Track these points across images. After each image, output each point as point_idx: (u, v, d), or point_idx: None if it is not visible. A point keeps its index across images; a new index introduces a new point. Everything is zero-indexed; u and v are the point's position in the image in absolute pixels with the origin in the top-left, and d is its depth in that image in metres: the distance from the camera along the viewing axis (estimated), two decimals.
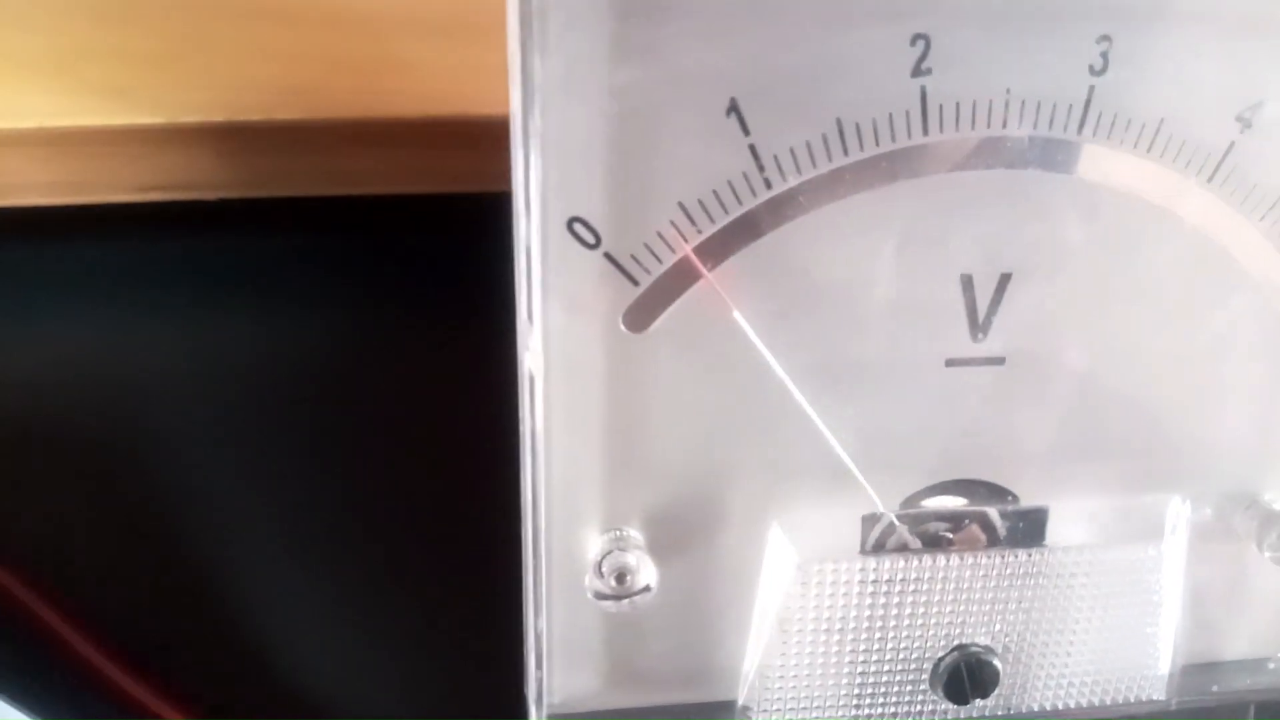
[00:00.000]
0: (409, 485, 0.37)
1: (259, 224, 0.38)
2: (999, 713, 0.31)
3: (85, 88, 0.36)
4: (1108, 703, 0.31)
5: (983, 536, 0.30)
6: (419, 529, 0.37)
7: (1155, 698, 0.31)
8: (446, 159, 0.36)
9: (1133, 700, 0.31)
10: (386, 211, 0.38)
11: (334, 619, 0.37)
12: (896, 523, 0.29)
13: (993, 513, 0.30)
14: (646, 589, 0.28)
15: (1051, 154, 0.27)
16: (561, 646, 0.29)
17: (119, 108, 0.36)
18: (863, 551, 0.29)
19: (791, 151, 0.26)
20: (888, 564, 0.29)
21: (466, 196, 0.35)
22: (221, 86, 0.36)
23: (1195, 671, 0.33)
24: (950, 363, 0.29)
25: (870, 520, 0.30)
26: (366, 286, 0.38)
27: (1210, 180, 0.28)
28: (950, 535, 0.30)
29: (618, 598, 0.28)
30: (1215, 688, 0.33)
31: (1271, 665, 0.34)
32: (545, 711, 0.29)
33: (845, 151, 0.26)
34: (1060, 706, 0.31)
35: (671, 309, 0.27)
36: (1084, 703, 0.31)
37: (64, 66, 0.36)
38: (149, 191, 0.37)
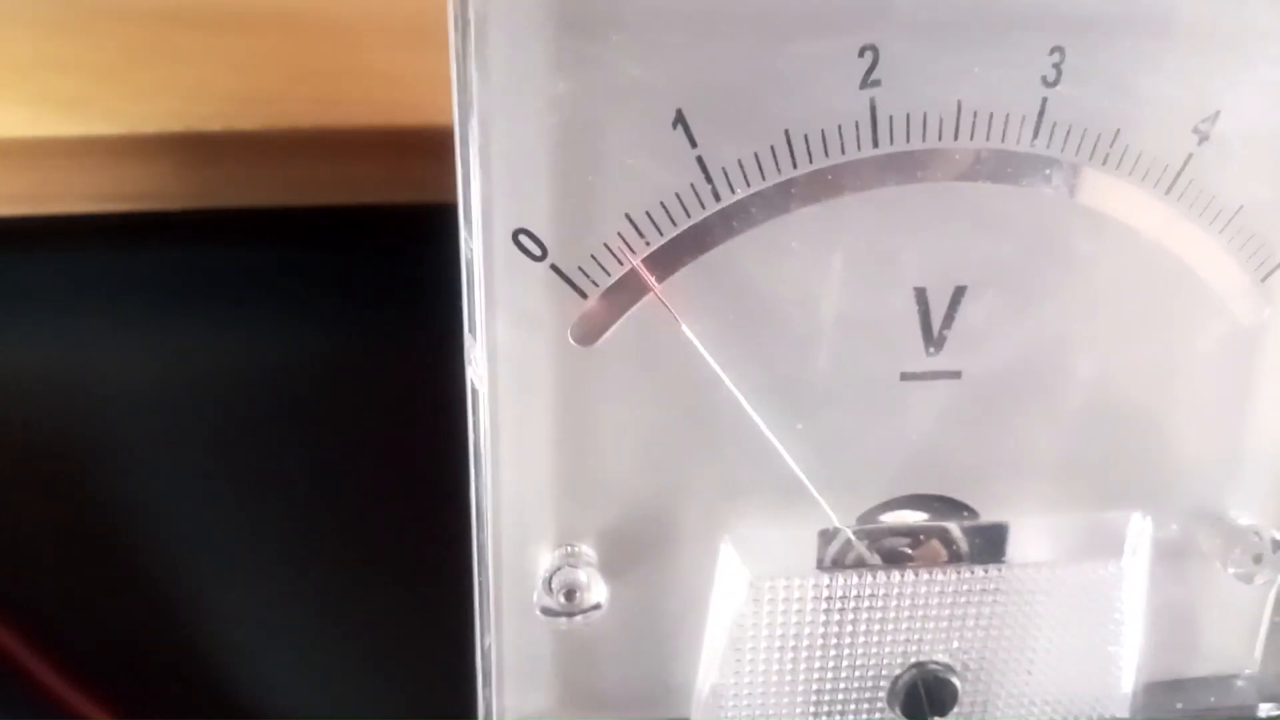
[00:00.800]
0: (367, 498, 0.37)
1: (220, 235, 0.38)
2: None
3: (44, 98, 0.36)
4: (1070, 719, 0.31)
5: (942, 552, 0.30)
6: (374, 544, 0.37)
7: (1118, 716, 0.31)
8: (408, 168, 0.36)
9: (1095, 718, 0.31)
10: (349, 222, 0.38)
11: (287, 635, 0.37)
12: (853, 538, 0.29)
13: (952, 528, 0.29)
14: (596, 607, 0.28)
15: (1004, 166, 0.27)
16: (513, 665, 0.29)
17: (78, 118, 0.36)
18: (819, 568, 0.29)
19: (740, 163, 0.26)
20: (842, 580, 0.28)
21: (429, 206, 0.35)
22: (181, 96, 0.36)
23: (1159, 690, 0.32)
24: (905, 377, 0.28)
25: (826, 536, 0.29)
26: (329, 298, 0.38)
27: (1168, 193, 0.28)
28: (908, 551, 0.30)
29: (567, 614, 0.28)
30: (1180, 705, 0.32)
31: (1240, 683, 0.33)
32: None
33: (794, 164, 0.26)
34: None
35: (620, 322, 0.27)
36: (1045, 719, 0.31)
37: (22, 77, 0.36)
38: (110, 202, 0.37)
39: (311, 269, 0.38)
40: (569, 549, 0.28)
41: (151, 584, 0.36)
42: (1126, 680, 0.31)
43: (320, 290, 0.38)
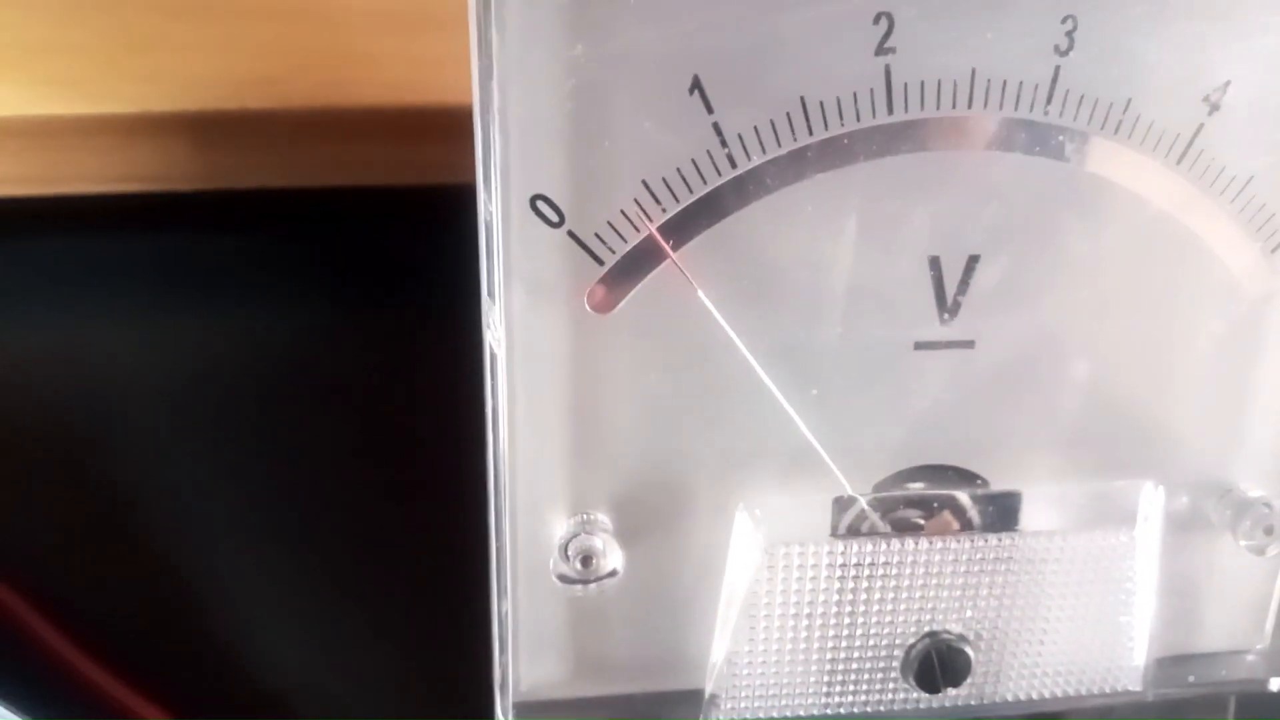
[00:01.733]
0: (381, 477, 0.37)
1: (230, 216, 0.38)
2: (972, 702, 0.30)
3: (53, 79, 0.36)
4: (1082, 693, 0.31)
5: (954, 522, 0.30)
6: (395, 519, 0.37)
7: (1130, 689, 0.31)
8: (417, 150, 0.36)
9: (1108, 691, 0.31)
10: (357, 203, 0.38)
11: (304, 611, 0.37)
12: (866, 506, 0.29)
13: (964, 497, 0.30)
14: (613, 573, 0.28)
15: (1018, 134, 0.27)
16: (528, 633, 0.29)
17: (88, 98, 0.36)
18: (833, 535, 0.29)
19: (755, 130, 0.26)
20: (856, 548, 0.28)
21: (437, 188, 0.35)
22: (190, 79, 0.36)
23: (1171, 663, 0.32)
24: (919, 346, 0.28)
25: (841, 504, 0.29)
26: (338, 279, 0.38)
27: (1179, 163, 0.28)
28: (922, 521, 0.30)
29: (583, 581, 0.28)
30: (1192, 679, 0.32)
31: (1251, 658, 0.33)
32: (511, 699, 0.29)
33: (810, 130, 0.26)
34: (1034, 696, 0.31)
35: (637, 289, 0.27)
36: (1058, 693, 0.31)
37: (32, 58, 0.36)
38: (121, 183, 0.37)
39: (321, 250, 0.38)
40: (585, 516, 0.28)
41: (167, 560, 0.36)
42: (1138, 653, 0.31)
43: (329, 271, 0.38)
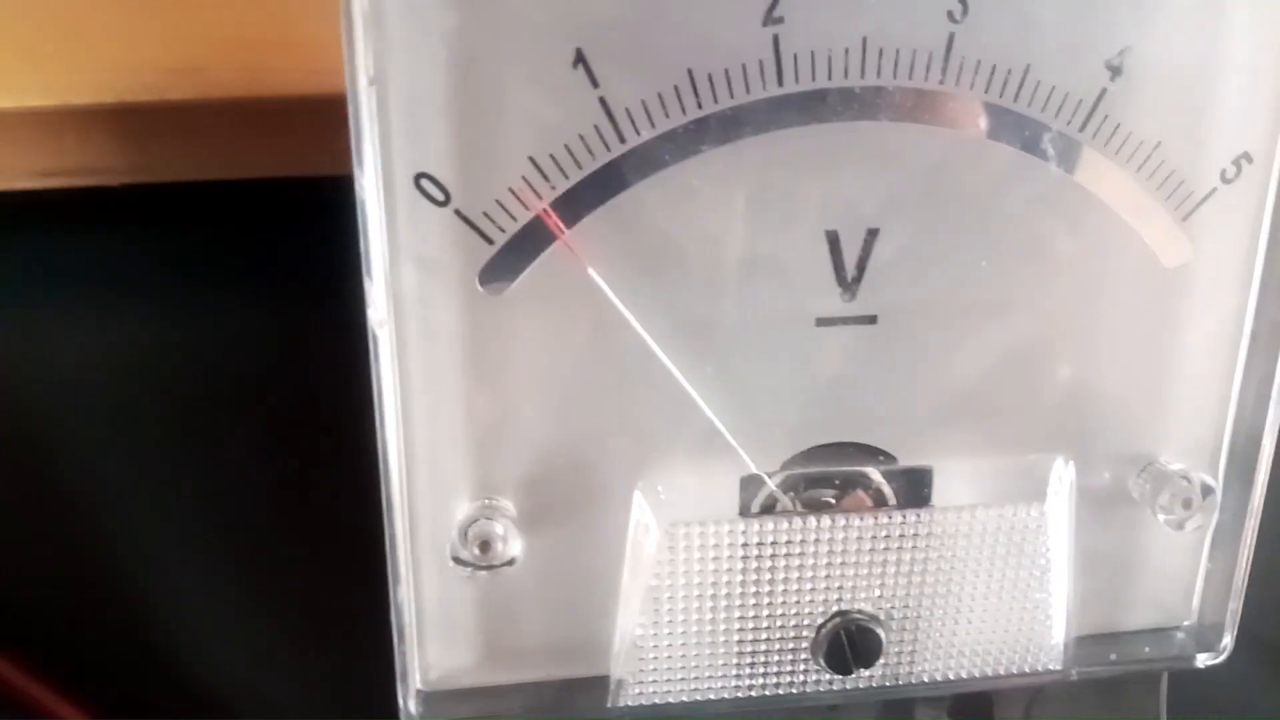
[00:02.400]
0: (304, 467, 0.36)
1: (156, 209, 0.38)
2: (886, 683, 0.30)
3: None
4: (1001, 672, 0.30)
5: (867, 499, 0.29)
6: (321, 506, 0.36)
7: (1051, 668, 0.31)
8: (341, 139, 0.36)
9: (1028, 671, 0.31)
10: (283, 193, 0.37)
11: (206, 602, 0.36)
12: (773, 485, 0.29)
13: (874, 473, 0.29)
14: (511, 561, 0.28)
15: (913, 104, 0.27)
16: (433, 620, 0.29)
17: (10, 90, 0.35)
18: (742, 515, 0.29)
19: (643, 104, 0.26)
20: (759, 527, 0.28)
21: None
22: (112, 68, 0.36)
23: (1094, 642, 0.32)
24: (821, 322, 0.28)
25: (749, 483, 0.29)
26: (266, 269, 0.38)
27: (1083, 129, 0.27)
28: (834, 499, 0.29)
29: (479, 567, 0.27)
30: (1113, 657, 0.32)
31: (1179, 635, 0.33)
32: (413, 688, 0.29)
33: (699, 104, 0.26)
34: (951, 677, 0.30)
35: (530, 269, 0.27)
36: (976, 673, 0.30)
37: None
38: (49, 178, 0.37)
39: (247, 241, 0.37)
40: (487, 501, 0.28)
41: (65, 548, 0.36)
42: (1057, 631, 0.30)
43: (257, 262, 0.38)
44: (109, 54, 0.37)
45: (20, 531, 0.36)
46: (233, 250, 0.39)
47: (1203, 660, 0.32)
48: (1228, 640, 0.32)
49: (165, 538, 0.36)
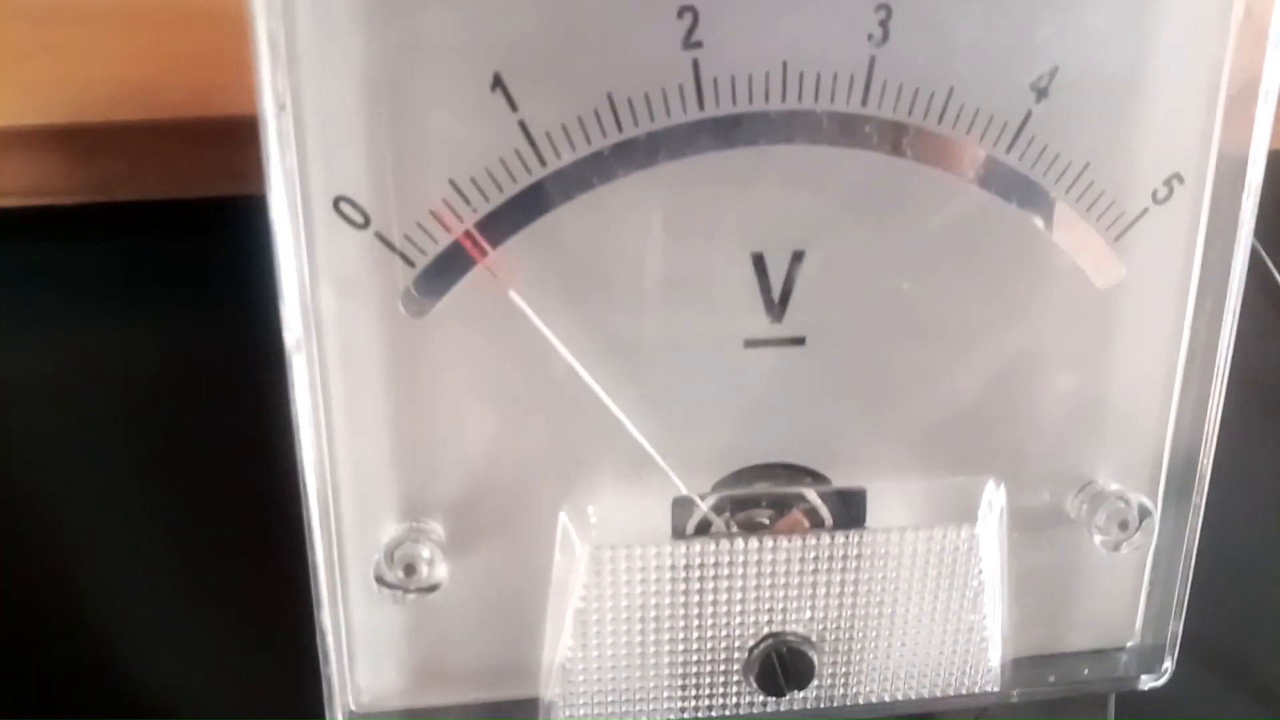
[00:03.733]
0: (242, 480, 0.36)
1: (106, 228, 0.38)
2: (821, 704, 0.30)
3: None
4: (938, 694, 0.30)
5: (803, 520, 0.29)
6: (247, 525, 0.36)
7: (989, 689, 0.30)
8: None
9: (964, 693, 0.30)
10: (233, 212, 0.38)
11: (139, 614, 0.36)
12: (701, 505, 0.29)
13: (809, 494, 0.29)
14: (435, 586, 0.28)
15: (836, 128, 0.27)
16: (362, 641, 0.29)
17: None
18: (675, 537, 0.29)
19: (563, 128, 0.26)
20: (686, 549, 0.28)
21: None
22: (61, 88, 0.36)
23: (1033, 664, 0.32)
24: (750, 343, 0.28)
25: (681, 505, 0.29)
26: (210, 287, 0.38)
27: (1010, 150, 0.27)
28: (768, 520, 0.29)
29: (406, 590, 0.27)
30: (1051, 679, 0.32)
31: (1123, 657, 0.33)
32: (340, 712, 0.29)
33: (619, 127, 0.26)
34: (887, 699, 0.30)
35: (452, 291, 0.27)
36: (912, 694, 0.30)
37: None
38: (2, 197, 0.37)
39: (192, 259, 0.38)
40: (414, 524, 0.28)
41: (26, 562, 0.36)
42: (994, 653, 0.30)
43: (203, 279, 0.38)
44: (57, 74, 0.37)
45: None
46: (179, 267, 0.39)
47: (1145, 682, 0.32)
48: (1168, 662, 0.32)
49: (101, 549, 0.36)
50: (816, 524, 0.30)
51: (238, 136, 0.37)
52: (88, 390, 0.37)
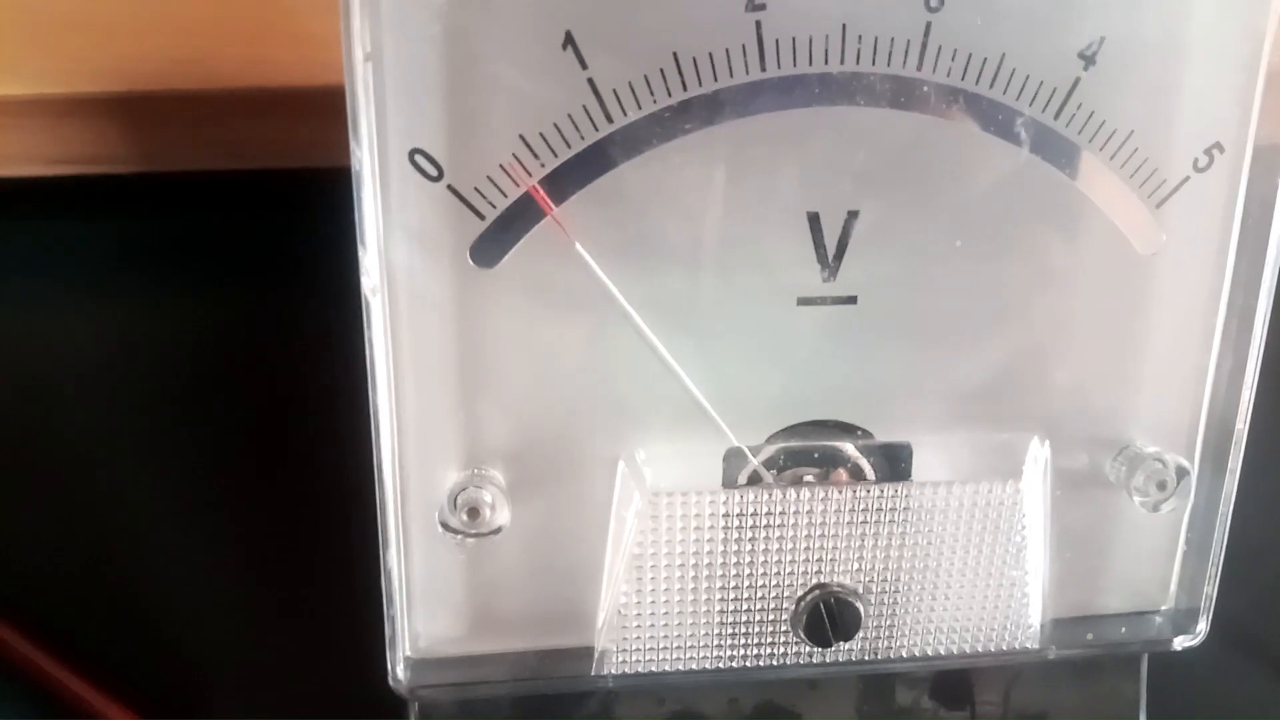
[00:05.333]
0: (301, 445, 0.37)
1: (166, 199, 0.39)
2: (865, 657, 0.31)
3: None
4: (979, 650, 0.31)
5: (845, 474, 0.30)
6: (304, 487, 0.37)
7: (1028, 646, 0.31)
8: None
9: (1005, 649, 0.31)
10: (284, 184, 0.38)
11: (206, 573, 0.37)
12: (754, 459, 0.29)
13: (854, 449, 0.30)
14: (498, 530, 0.28)
15: (892, 91, 0.27)
16: (422, 589, 0.29)
17: (19, 78, 0.37)
18: (722, 487, 0.29)
19: (630, 86, 0.27)
20: (741, 498, 0.29)
21: None
22: (119, 57, 0.37)
23: (1072, 623, 0.32)
24: (802, 302, 0.29)
25: (732, 458, 0.30)
26: (262, 257, 0.39)
27: (1057, 117, 0.28)
28: (813, 473, 0.30)
29: (467, 534, 0.28)
30: (1090, 637, 0.32)
31: (1157, 619, 0.33)
32: (402, 655, 0.29)
33: (684, 86, 0.27)
34: (929, 653, 0.31)
35: (520, 244, 0.28)
36: (954, 650, 0.31)
37: None
38: (56, 165, 0.38)
39: (248, 230, 0.39)
40: (476, 470, 0.29)
41: (68, 522, 0.37)
42: (1034, 610, 0.31)
43: (257, 249, 0.39)
44: (117, 43, 0.38)
45: (23, 514, 0.37)
46: (233, 238, 0.40)
47: (1180, 643, 0.33)
48: (1203, 624, 0.33)
49: (169, 512, 0.37)
50: (857, 474, 0.30)
51: (290, 108, 0.38)
52: (140, 356, 0.38)
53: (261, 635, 0.36)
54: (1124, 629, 0.33)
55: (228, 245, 0.39)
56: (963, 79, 0.28)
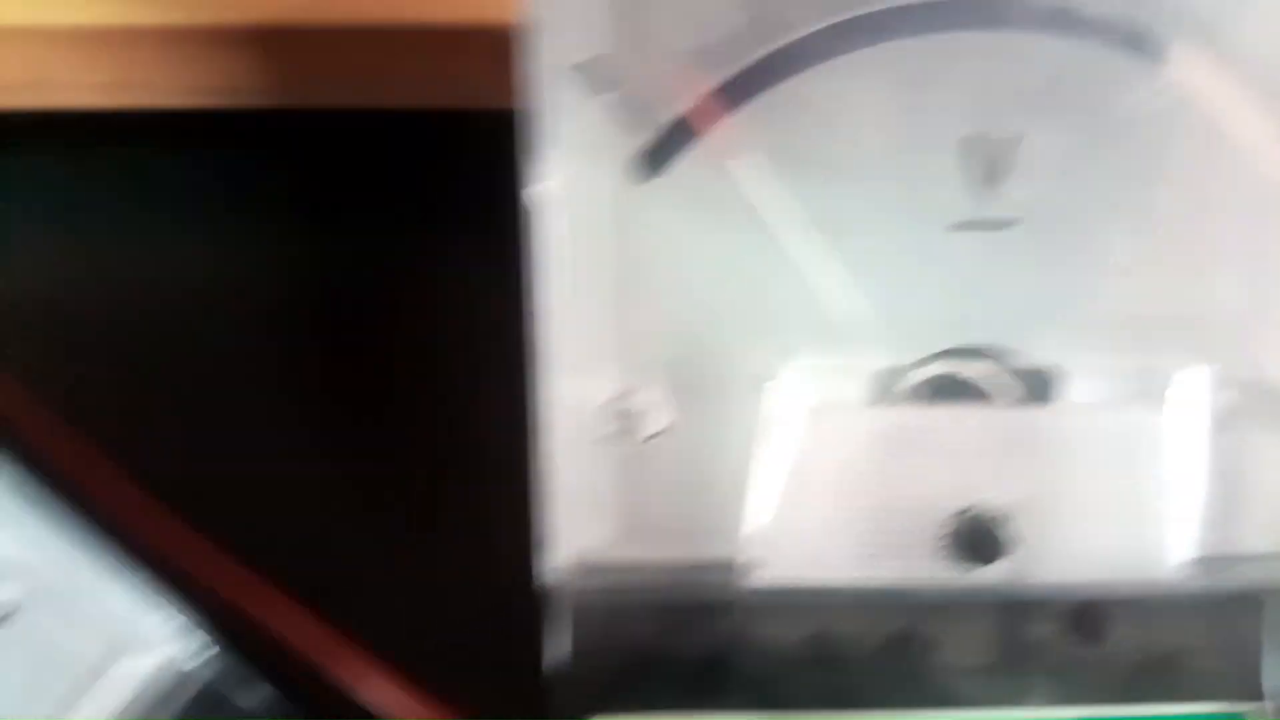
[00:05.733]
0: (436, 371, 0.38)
1: (302, 134, 0.40)
2: (1010, 580, 0.31)
3: None
4: (1119, 579, 0.31)
5: (995, 395, 0.30)
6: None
7: (1167, 579, 0.31)
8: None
9: (1145, 580, 0.31)
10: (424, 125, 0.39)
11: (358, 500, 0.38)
12: (901, 380, 0.29)
13: (1005, 371, 0.30)
14: (654, 435, 0.29)
15: (1066, 18, 0.27)
16: (570, 495, 0.30)
17: (162, 7, 0.37)
18: (872, 404, 0.30)
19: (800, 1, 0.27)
20: (893, 415, 0.29)
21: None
22: None
23: (1213, 560, 0.32)
24: (958, 225, 0.29)
25: (881, 376, 0.30)
26: (401, 201, 0.39)
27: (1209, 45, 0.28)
28: (964, 395, 0.30)
29: (625, 439, 0.29)
30: (1231, 575, 0.32)
31: None
32: (551, 560, 0.30)
33: (851, 4, 0.27)
34: (1071, 580, 0.31)
35: (680, 158, 0.28)
36: (1095, 578, 0.31)
37: None
38: (196, 95, 0.39)
39: (384, 169, 0.39)
40: (630, 379, 0.29)
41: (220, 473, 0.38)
42: (1176, 544, 0.31)
43: (391, 188, 0.40)
44: None
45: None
46: (365, 177, 0.40)
47: None
48: None
49: (306, 437, 0.38)
50: (1006, 396, 0.30)
51: (433, 46, 0.38)
52: (263, 289, 0.39)
53: (403, 549, 0.37)
54: (1262, 570, 0.32)
55: (366, 183, 0.40)
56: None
